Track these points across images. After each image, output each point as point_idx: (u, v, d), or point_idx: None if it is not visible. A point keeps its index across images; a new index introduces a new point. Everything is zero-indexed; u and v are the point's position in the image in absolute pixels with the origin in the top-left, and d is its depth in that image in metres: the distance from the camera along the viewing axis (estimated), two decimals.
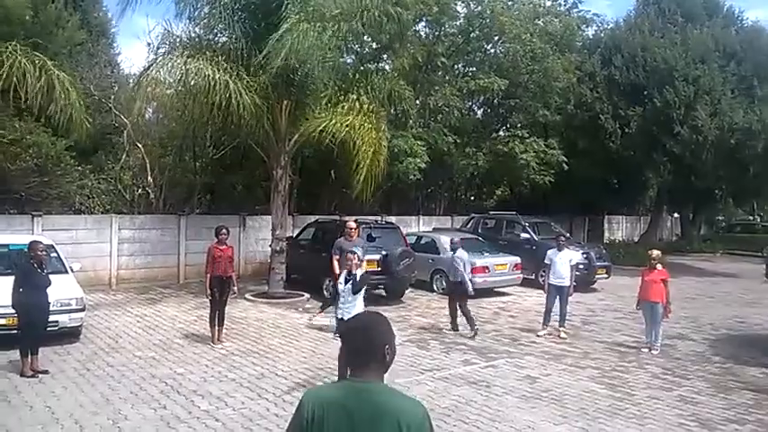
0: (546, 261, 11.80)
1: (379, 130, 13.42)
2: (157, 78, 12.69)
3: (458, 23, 22.67)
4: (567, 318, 11.68)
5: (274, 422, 6.71)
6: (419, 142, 19.23)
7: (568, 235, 20.42)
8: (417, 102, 15.82)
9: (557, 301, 11.42)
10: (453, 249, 11.86)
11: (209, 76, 12.13)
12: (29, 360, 8.00)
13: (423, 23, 22.53)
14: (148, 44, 14.38)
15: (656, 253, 10.63)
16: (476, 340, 10.89)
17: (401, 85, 15.45)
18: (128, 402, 7.14)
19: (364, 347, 2.53)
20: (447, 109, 21.14)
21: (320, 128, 13.30)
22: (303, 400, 2.52)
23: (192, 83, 12.42)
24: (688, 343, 11.22)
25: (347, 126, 13.09)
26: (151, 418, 6.72)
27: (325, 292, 13.83)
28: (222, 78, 12.22)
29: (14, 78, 11.07)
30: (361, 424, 2.39)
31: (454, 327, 11.62)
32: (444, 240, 15.16)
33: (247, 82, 12.71)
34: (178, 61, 12.40)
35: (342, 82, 14.73)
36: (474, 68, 23.51)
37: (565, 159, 22.44)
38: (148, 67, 12.92)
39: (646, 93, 22.50)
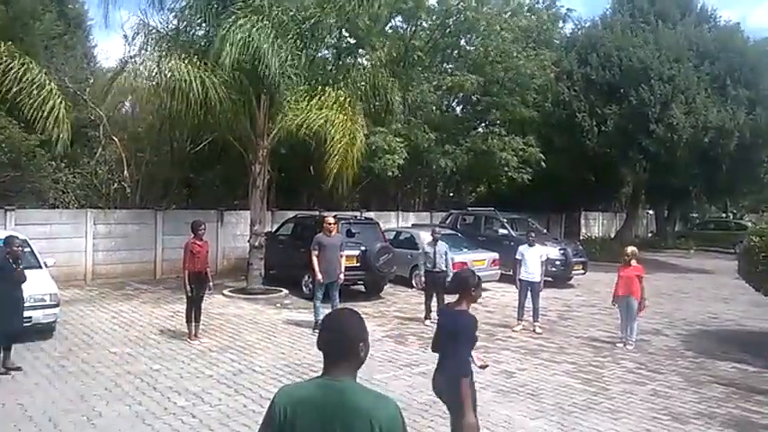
0: (517, 257, 11.89)
1: (354, 122, 13.39)
2: (135, 72, 12.54)
3: (433, 18, 22.66)
4: (541, 313, 11.82)
5: (252, 418, 6.68)
6: (397, 139, 19.24)
7: (545, 231, 20.75)
8: (397, 97, 15.76)
9: (529, 296, 11.56)
10: (435, 240, 12.08)
11: (183, 72, 12.04)
12: (1, 357, 7.87)
13: (399, 18, 22.54)
14: (125, 36, 14.17)
15: (631, 249, 10.77)
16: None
17: (384, 76, 15.41)
18: (102, 399, 7.07)
19: (339, 344, 2.54)
20: (425, 105, 21.17)
21: (296, 122, 13.26)
22: (275, 400, 2.53)
23: (169, 76, 12.28)
24: (662, 338, 11.40)
25: (322, 119, 13.06)
26: (126, 414, 6.66)
27: (303, 288, 13.83)
28: (197, 74, 12.12)
29: None
30: (333, 422, 2.39)
31: (428, 315, 11.82)
32: (423, 236, 15.21)
33: (221, 77, 12.62)
34: (153, 56, 12.28)
35: (320, 76, 14.68)
36: (450, 65, 23.56)
37: (542, 157, 22.64)
38: (126, 63, 12.77)
39: (622, 91, 22.78)
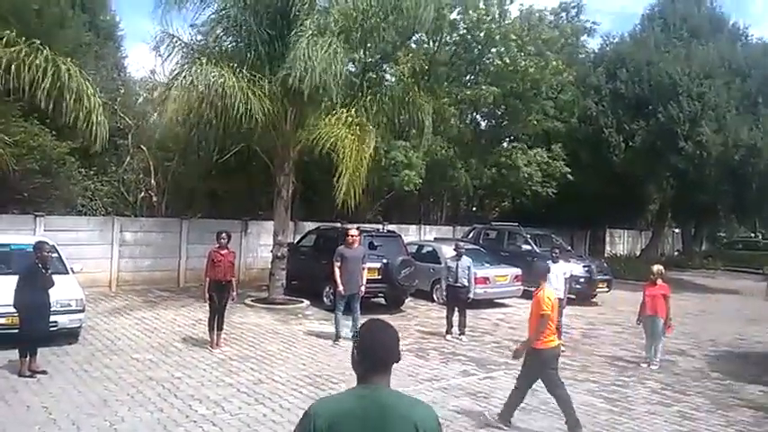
0: None
1: (363, 142, 13.44)
2: (186, 82, 12.57)
3: (457, 34, 22.64)
4: (564, 330, 11.65)
5: (271, 428, 6.69)
6: (417, 154, 19.24)
7: (569, 248, 20.54)
8: (429, 114, 15.74)
9: None
10: (459, 255, 12.04)
11: (232, 82, 12.19)
12: (27, 360, 7.99)
13: (421, 34, 22.58)
14: (156, 48, 14.37)
15: (657, 268, 10.62)
16: (475, 351, 10.88)
17: (415, 93, 15.44)
18: (125, 405, 7.13)
19: (383, 357, 2.57)
20: (446, 120, 21.16)
21: (313, 136, 13.35)
22: (310, 413, 2.47)
23: (218, 89, 12.40)
24: (688, 359, 11.18)
25: (333, 137, 13.13)
26: (148, 420, 6.70)
27: (325, 299, 13.84)
28: (240, 85, 12.28)
29: (26, 77, 10.82)
30: (376, 430, 2.40)
31: (449, 330, 11.79)
32: (446, 250, 15.15)
33: (264, 88, 12.77)
34: (203, 68, 12.41)
35: (348, 90, 14.77)
36: (473, 78, 23.51)
37: (568, 170, 22.46)
38: (178, 74, 12.91)
39: (650, 107, 22.51)
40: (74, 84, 11.30)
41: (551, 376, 7.02)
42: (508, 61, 21.62)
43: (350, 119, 13.46)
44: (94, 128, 11.45)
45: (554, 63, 22.05)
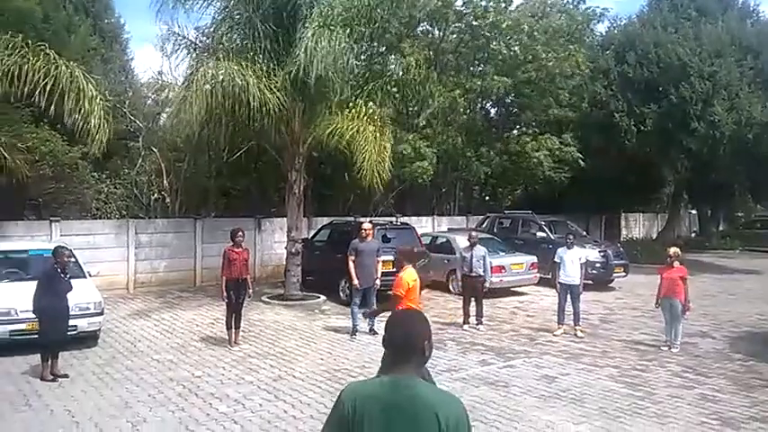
0: (556, 260, 11.73)
1: (383, 133, 13.43)
2: (202, 82, 12.50)
3: (462, 22, 22.43)
4: (582, 316, 11.61)
5: (292, 424, 6.71)
6: (425, 144, 19.17)
7: (584, 233, 20.40)
8: (434, 90, 15.70)
9: (569, 299, 11.37)
10: (472, 245, 12.05)
11: (244, 78, 12.17)
12: (49, 364, 8.08)
13: (426, 22, 22.44)
14: (162, 47, 14.39)
15: (673, 250, 10.52)
16: (493, 340, 10.86)
17: (420, 73, 15.38)
18: (146, 405, 7.18)
19: (406, 343, 2.58)
20: (456, 109, 21.06)
21: (328, 131, 13.33)
22: (342, 397, 2.56)
23: (231, 86, 12.35)
24: (708, 341, 11.08)
25: (353, 129, 13.12)
26: (170, 420, 6.75)
27: (341, 294, 13.85)
28: (253, 80, 12.27)
29: (35, 82, 10.80)
30: (400, 418, 2.42)
31: (466, 320, 11.80)
32: (460, 240, 15.10)
33: (275, 83, 12.76)
34: (219, 65, 12.39)
35: (356, 81, 14.75)
36: (481, 67, 23.37)
37: (581, 156, 22.30)
38: (193, 72, 12.89)
39: (661, 89, 22.23)
40: (75, 86, 11.29)
41: None
42: (518, 51, 21.45)
43: (369, 111, 13.45)
44: (94, 131, 11.42)
45: (574, 57, 21.82)
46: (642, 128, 22.49)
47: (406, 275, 7.22)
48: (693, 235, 33.81)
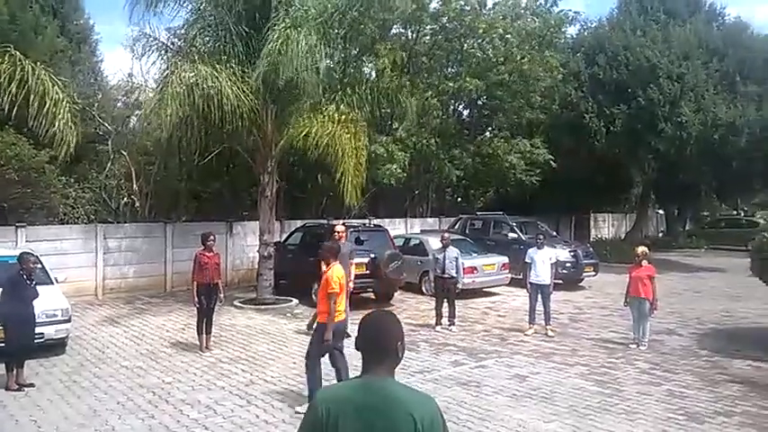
0: (527, 260, 11.86)
1: (358, 139, 13.42)
2: (177, 84, 12.32)
3: (436, 23, 22.55)
4: (553, 315, 11.76)
5: (264, 429, 6.67)
6: (398, 147, 19.22)
7: (554, 233, 20.66)
8: (411, 99, 15.73)
9: (540, 299, 11.50)
10: (444, 246, 12.07)
11: (216, 80, 12.07)
12: (14, 373, 7.90)
13: (399, 25, 22.51)
14: (132, 48, 14.20)
15: (641, 249, 10.73)
16: (465, 341, 10.93)
17: (394, 81, 15.41)
18: (115, 413, 7.08)
19: (378, 345, 2.58)
20: (429, 111, 21.16)
21: (303, 134, 13.29)
22: (316, 401, 2.56)
23: (204, 89, 12.22)
24: (675, 338, 11.30)
25: (328, 134, 13.09)
26: (139, 428, 6.66)
27: (313, 297, 13.77)
28: (227, 83, 12.16)
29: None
30: (376, 420, 2.41)
31: (439, 321, 11.87)
32: (433, 242, 15.17)
33: (248, 86, 12.67)
34: (191, 67, 12.26)
35: (327, 85, 14.72)
36: (454, 69, 23.52)
37: (551, 158, 22.58)
38: (168, 75, 12.71)
39: (630, 91, 22.61)
40: (40, 88, 11.08)
41: (331, 349, 7.26)
42: (491, 53, 21.63)
43: (342, 116, 13.43)
44: (60, 134, 11.22)
45: (549, 59, 22.07)
46: (611, 129, 22.85)
47: (335, 272, 7.27)
48: (661, 234, 34.45)
